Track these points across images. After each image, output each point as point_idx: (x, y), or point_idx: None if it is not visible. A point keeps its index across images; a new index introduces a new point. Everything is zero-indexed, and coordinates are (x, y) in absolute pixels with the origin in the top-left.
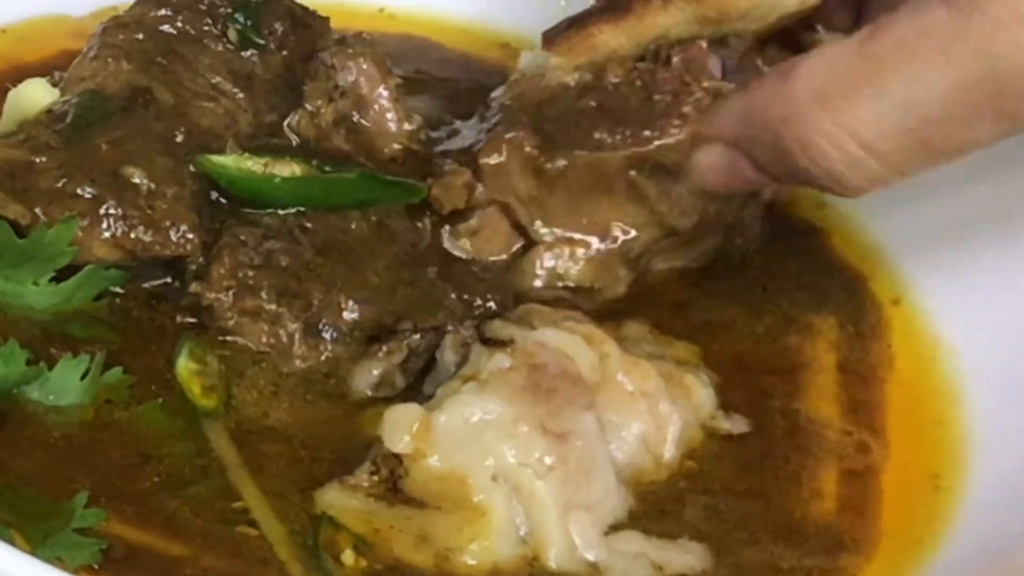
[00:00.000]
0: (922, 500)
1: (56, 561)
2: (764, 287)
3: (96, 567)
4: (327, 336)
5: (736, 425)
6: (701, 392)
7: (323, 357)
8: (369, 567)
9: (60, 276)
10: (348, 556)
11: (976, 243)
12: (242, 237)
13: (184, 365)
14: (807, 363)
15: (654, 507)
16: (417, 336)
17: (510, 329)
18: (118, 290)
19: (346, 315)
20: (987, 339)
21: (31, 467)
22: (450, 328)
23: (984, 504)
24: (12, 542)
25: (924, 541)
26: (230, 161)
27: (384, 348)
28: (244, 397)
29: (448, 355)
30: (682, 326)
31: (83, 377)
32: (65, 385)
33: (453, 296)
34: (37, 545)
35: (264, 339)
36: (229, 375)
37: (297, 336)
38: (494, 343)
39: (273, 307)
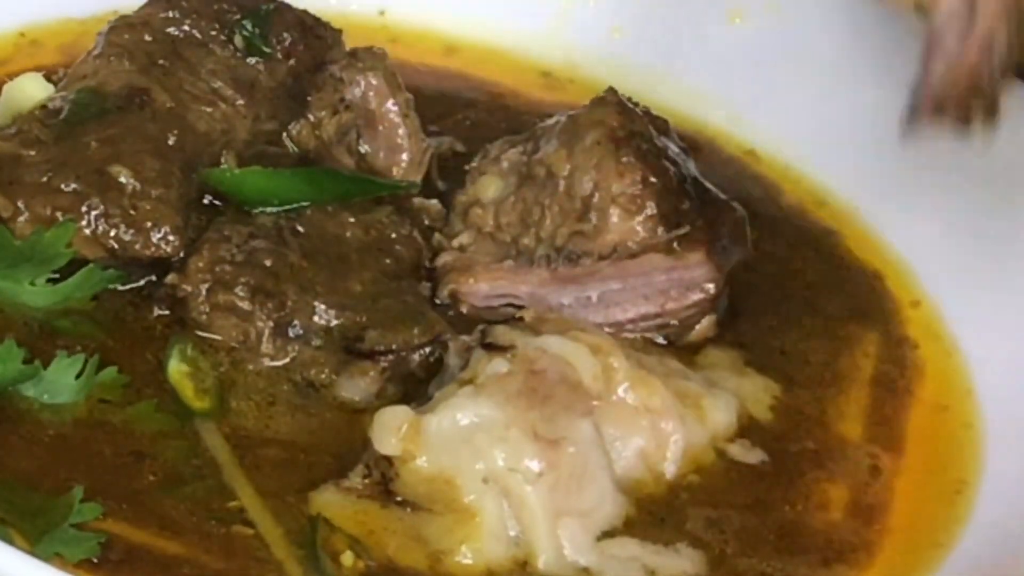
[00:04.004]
0: (936, 510)
1: (55, 557)
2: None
3: (95, 561)
4: (294, 337)
5: (750, 456)
6: (717, 416)
7: (290, 358)
8: (367, 568)
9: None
10: (347, 557)
11: (987, 243)
12: (226, 233)
13: (175, 368)
14: (843, 375)
15: (653, 516)
16: (403, 353)
17: (512, 335)
18: (118, 287)
19: (316, 319)
20: (1003, 339)
21: (26, 465)
22: (448, 336)
23: (998, 509)
24: (11, 541)
25: (936, 544)
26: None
27: (379, 367)
28: (240, 406)
29: (452, 359)
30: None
31: (78, 376)
32: (60, 384)
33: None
34: (35, 542)
35: (234, 334)
36: (222, 383)
37: (266, 334)
38: (495, 348)
39: (246, 304)
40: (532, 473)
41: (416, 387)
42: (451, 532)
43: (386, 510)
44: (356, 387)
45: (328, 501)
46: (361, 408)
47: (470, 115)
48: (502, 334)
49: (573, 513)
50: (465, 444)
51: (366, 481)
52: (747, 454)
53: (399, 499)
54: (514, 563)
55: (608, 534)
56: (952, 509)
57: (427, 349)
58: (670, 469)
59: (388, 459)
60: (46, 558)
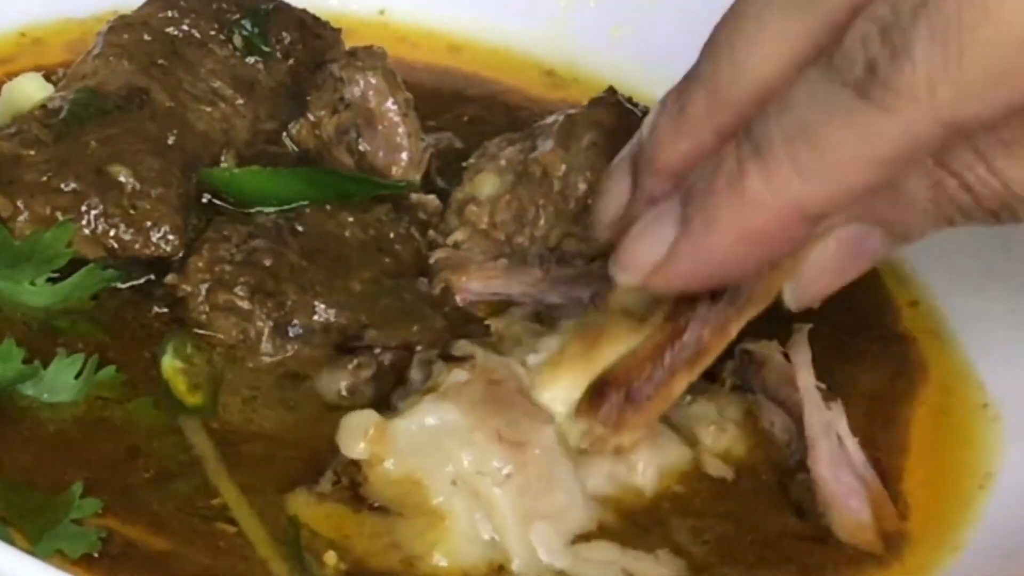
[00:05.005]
0: (942, 517)
1: (57, 553)
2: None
3: (96, 555)
4: (294, 336)
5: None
6: (702, 432)
7: (289, 356)
8: (349, 568)
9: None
10: (331, 556)
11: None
12: (225, 233)
13: (169, 363)
14: (843, 378)
15: (634, 525)
16: (389, 353)
17: (472, 347)
18: (118, 286)
19: (316, 319)
20: (1005, 332)
21: (24, 462)
22: (419, 348)
23: (1012, 503)
24: (11, 540)
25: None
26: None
27: (355, 362)
28: (227, 400)
29: (415, 372)
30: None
31: (77, 376)
32: (59, 383)
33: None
34: (36, 539)
35: (234, 333)
36: (217, 379)
37: (266, 334)
38: (454, 359)
39: (246, 304)
40: (500, 475)
41: (390, 392)
42: (422, 536)
43: (359, 515)
44: (333, 380)
45: (302, 504)
46: (335, 405)
47: (468, 111)
48: (461, 347)
49: (544, 515)
50: (433, 446)
51: (336, 487)
52: (724, 470)
53: (371, 504)
54: (490, 567)
55: (584, 538)
56: (965, 507)
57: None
58: (647, 486)
59: (356, 464)
60: (48, 554)
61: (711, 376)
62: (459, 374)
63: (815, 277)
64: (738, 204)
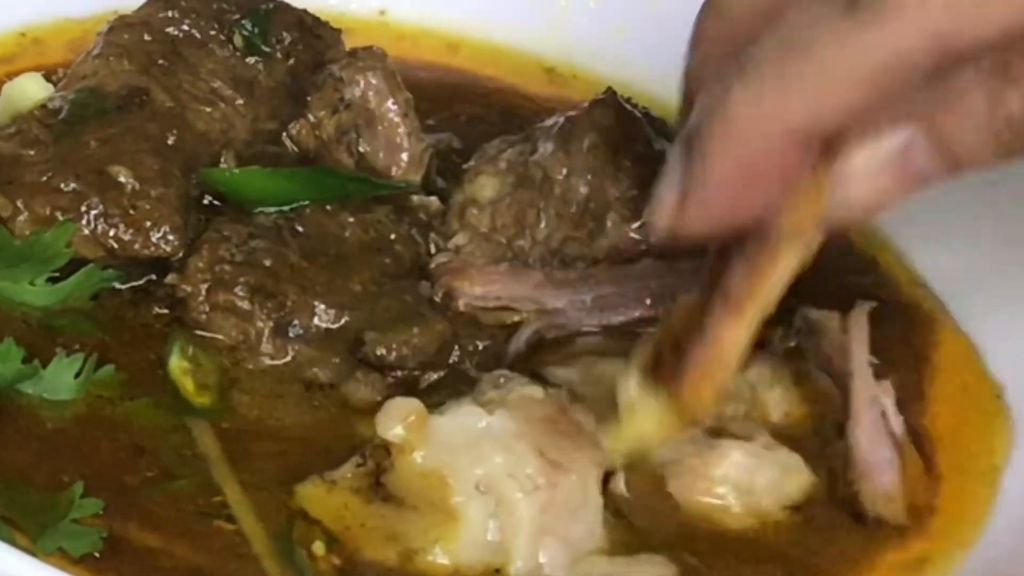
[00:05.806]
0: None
1: (58, 551)
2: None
3: (78, 558)
4: (294, 337)
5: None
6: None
7: (290, 357)
8: (341, 562)
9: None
10: (319, 547)
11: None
12: (226, 233)
13: (176, 363)
14: None
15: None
16: (416, 372)
17: (569, 375)
18: (118, 286)
19: (316, 320)
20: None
21: (23, 460)
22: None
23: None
24: (12, 539)
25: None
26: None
27: (379, 383)
28: (241, 403)
29: (485, 387)
30: None
31: (76, 375)
32: (58, 383)
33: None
34: (36, 537)
35: (234, 334)
36: (225, 378)
37: (266, 334)
38: (543, 381)
39: (245, 304)
40: (529, 484)
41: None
42: (427, 531)
43: (370, 506)
44: (361, 393)
45: (311, 494)
46: (365, 410)
47: (468, 110)
48: (558, 372)
49: (559, 537)
50: (469, 447)
51: (359, 470)
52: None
53: (387, 494)
54: (487, 569)
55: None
56: (974, 504)
57: (441, 372)
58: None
59: (386, 449)
60: (49, 552)
61: (760, 343)
62: (535, 390)
63: (852, 192)
64: (725, 130)
